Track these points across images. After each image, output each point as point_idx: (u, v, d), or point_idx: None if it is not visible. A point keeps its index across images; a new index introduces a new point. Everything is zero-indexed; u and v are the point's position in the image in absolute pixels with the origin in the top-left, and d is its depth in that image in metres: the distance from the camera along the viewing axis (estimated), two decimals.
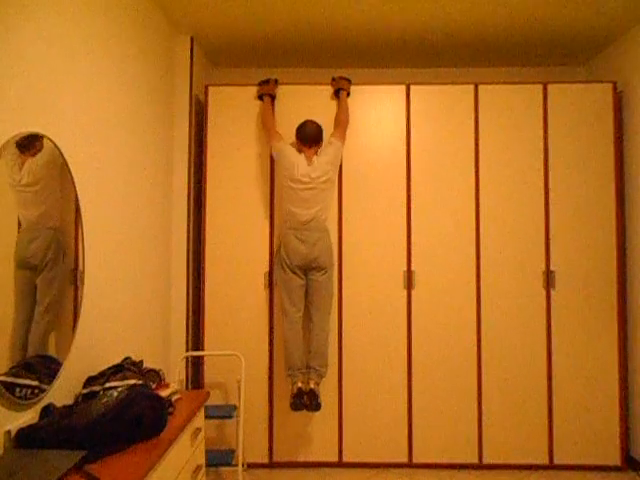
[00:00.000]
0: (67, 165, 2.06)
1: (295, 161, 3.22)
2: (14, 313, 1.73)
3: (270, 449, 3.42)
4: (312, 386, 3.16)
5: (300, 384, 3.15)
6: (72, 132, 2.14)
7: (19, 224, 1.75)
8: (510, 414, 3.40)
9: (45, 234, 1.89)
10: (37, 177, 1.85)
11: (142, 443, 1.73)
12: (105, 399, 1.76)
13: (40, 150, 1.88)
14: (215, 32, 3.51)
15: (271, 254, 3.47)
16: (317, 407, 3.13)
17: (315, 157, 3.25)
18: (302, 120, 3.37)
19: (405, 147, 3.50)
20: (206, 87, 3.54)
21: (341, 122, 3.40)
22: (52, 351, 1.95)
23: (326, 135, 3.37)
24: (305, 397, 3.13)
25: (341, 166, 3.48)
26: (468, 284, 3.44)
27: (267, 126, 3.41)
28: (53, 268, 1.93)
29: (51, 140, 1.95)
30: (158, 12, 3.19)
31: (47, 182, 1.92)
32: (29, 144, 1.82)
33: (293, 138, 3.36)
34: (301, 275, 3.22)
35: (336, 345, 3.44)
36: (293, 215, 3.21)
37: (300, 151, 3.28)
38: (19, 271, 1.75)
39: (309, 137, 3.26)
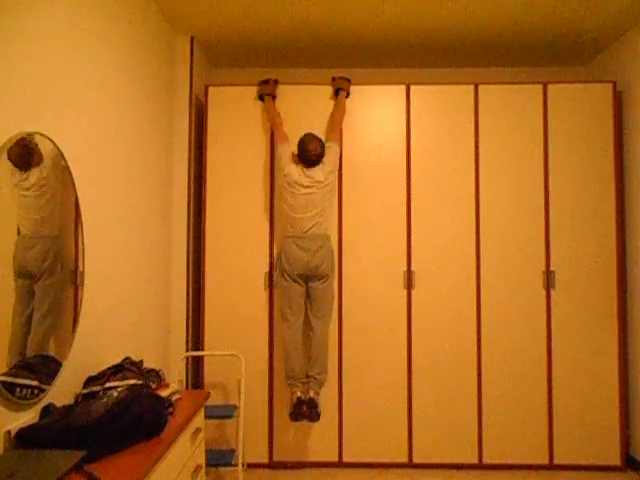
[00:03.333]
0: (67, 165, 2.06)
1: (293, 170, 3.22)
2: (12, 318, 1.72)
3: (270, 449, 3.42)
4: (311, 395, 3.14)
5: (300, 394, 3.14)
6: (72, 132, 2.14)
7: (18, 231, 1.75)
8: (510, 414, 3.40)
9: (43, 242, 1.89)
10: (39, 183, 1.85)
11: (142, 443, 1.73)
12: (105, 399, 1.77)
13: (41, 161, 1.88)
14: (215, 32, 3.51)
15: (271, 254, 3.47)
16: (316, 417, 3.11)
17: (314, 168, 3.25)
18: (302, 121, 3.40)
19: (405, 147, 3.50)
20: (206, 87, 3.54)
21: (336, 123, 3.40)
22: (52, 351, 1.95)
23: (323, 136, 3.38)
24: (304, 406, 3.11)
25: (341, 166, 3.48)
26: (468, 284, 3.44)
27: (274, 125, 3.41)
28: (50, 276, 1.93)
29: (51, 140, 1.95)
30: (158, 12, 3.19)
31: (48, 189, 1.92)
32: (27, 157, 1.81)
33: (295, 141, 3.34)
34: (302, 283, 3.21)
35: (336, 345, 3.44)
36: (293, 222, 3.20)
37: (300, 163, 3.28)
38: (17, 279, 1.74)
39: (311, 160, 3.23)
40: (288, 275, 3.19)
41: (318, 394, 3.19)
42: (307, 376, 3.23)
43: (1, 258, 1.67)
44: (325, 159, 3.27)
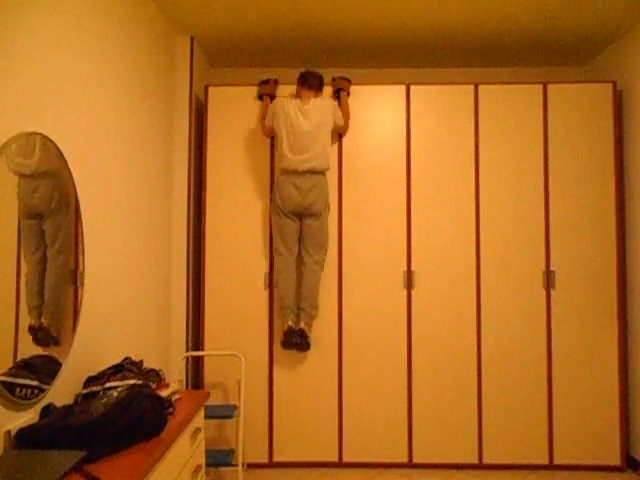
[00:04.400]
0: (67, 165, 2.06)
1: (290, 107, 3.27)
2: (26, 257, 1.77)
3: (270, 449, 3.42)
4: (302, 325, 3.28)
5: (291, 323, 3.29)
6: (72, 132, 2.14)
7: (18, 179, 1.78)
8: (510, 414, 3.40)
9: (47, 182, 1.91)
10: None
11: (142, 443, 1.73)
12: (105, 399, 1.77)
13: None
14: (215, 32, 3.51)
15: (271, 255, 3.47)
16: (306, 346, 3.29)
17: (313, 100, 3.29)
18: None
19: (405, 147, 3.50)
20: (206, 87, 3.54)
21: (344, 120, 3.43)
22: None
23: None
24: (295, 336, 3.26)
25: (341, 166, 3.48)
26: (468, 284, 3.44)
27: (262, 121, 3.44)
28: (58, 215, 1.98)
29: (51, 140, 1.95)
30: (158, 12, 3.19)
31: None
32: None
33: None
34: (295, 219, 3.28)
35: (336, 345, 3.44)
36: (287, 160, 3.24)
37: (298, 96, 3.34)
38: (24, 220, 1.78)
39: (311, 80, 3.32)
40: (281, 211, 3.26)
41: (309, 325, 3.34)
42: (298, 308, 3.33)
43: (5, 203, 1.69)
44: (329, 101, 3.34)
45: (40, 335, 1.86)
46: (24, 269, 1.77)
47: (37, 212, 1.85)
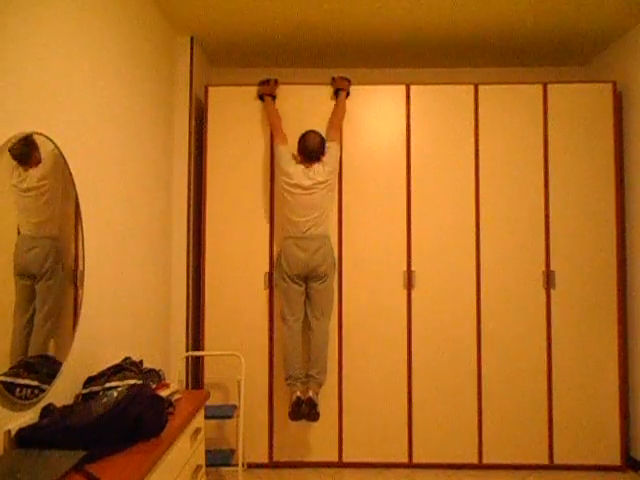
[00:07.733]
0: (67, 165, 2.06)
1: (293, 171, 3.21)
2: (14, 318, 1.72)
3: (270, 449, 3.42)
4: (310, 395, 3.14)
5: (299, 393, 3.14)
6: (72, 132, 2.14)
7: (18, 231, 1.74)
8: (510, 414, 3.39)
9: (44, 243, 1.88)
10: (38, 184, 1.85)
11: (142, 443, 1.72)
12: (105, 399, 1.76)
13: (40, 161, 1.87)
14: (215, 32, 3.51)
15: (271, 254, 3.47)
16: (315, 416, 3.10)
17: (315, 165, 3.24)
18: (302, 121, 3.43)
19: (405, 147, 3.50)
20: (206, 87, 3.54)
21: (336, 124, 3.40)
22: (52, 351, 1.94)
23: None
24: (304, 406, 3.10)
25: (341, 166, 3.48)
26: (468, 284, 3.44)
27: (274, 126, 3.40)
28: (52, 277, 1.92)
29: (51, 140, 1.95)
30: (158, 12, 3.19)
31: (48, 190, 1.91)
32: (27, 156, 1.80)
33: (295, 141, 3.33)
34: (301, 283, 3.22)
35: (336, 345, 3.44)
36: (292, 223, 3.20)
37: (301, 162, 3.27)
38: (18, 279, 1.74)
39: (311, 154, 3.23)
40: (287, 276, 3.19)
41: (317, 394, 3.19)
42: (307, 376, 3.22)
43: (2, 259, 1.66)
44: (325, 159, 3.27)
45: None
46: (10, 328, 1.70)
47: (30, 272, 1.80)
